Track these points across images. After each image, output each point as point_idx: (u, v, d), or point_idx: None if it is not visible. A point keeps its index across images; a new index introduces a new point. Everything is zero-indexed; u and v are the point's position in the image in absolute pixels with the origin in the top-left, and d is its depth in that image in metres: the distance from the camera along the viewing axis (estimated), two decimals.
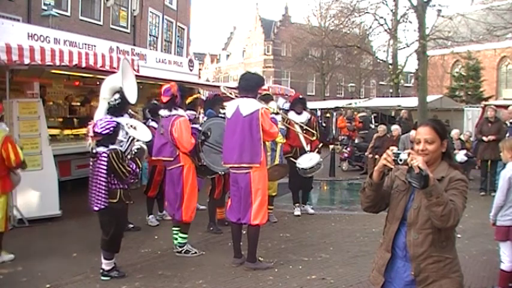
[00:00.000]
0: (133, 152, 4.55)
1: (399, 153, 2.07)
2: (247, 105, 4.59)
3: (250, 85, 4.73)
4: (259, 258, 4.78)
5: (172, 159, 4.96)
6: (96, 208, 4.18)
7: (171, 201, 5.11)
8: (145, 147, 4.77)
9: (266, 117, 4.61)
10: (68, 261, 4.80)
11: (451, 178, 2.18)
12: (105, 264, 4.32)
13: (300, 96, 7.47)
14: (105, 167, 4.13)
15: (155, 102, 6.89)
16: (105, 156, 4.13)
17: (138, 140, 4.72)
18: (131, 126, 4.70)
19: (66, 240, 5.49)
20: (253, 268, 4.59)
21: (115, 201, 4.22)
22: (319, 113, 21.68)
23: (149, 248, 5.31)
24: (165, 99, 4.95)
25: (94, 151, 4.19)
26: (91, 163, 4.29)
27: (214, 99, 6.42)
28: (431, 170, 2.13)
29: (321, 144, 6.85)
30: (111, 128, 4.20)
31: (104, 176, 4.13)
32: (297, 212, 7.08)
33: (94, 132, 4.17)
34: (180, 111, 5.00)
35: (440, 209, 2.01)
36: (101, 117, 4.62)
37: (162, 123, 5.04)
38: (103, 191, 4.15)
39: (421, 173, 1.97)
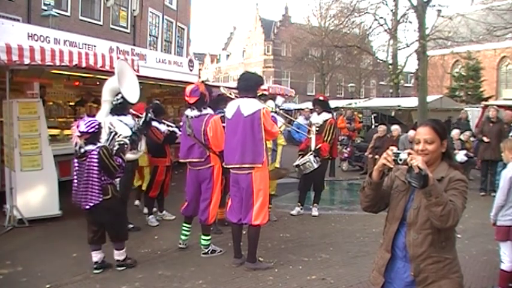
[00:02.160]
0: (115, 148, 4.58)
1: (399, 153, 2.07)
2: (248, 105, 4.58)
3: (249, 85, 4.71)
4: (259, 259, 4.77)
5: (203, 160, 4.90)
6: (91, 204, 4.21)
7: (193, 202, 5.06)
8: (127, 141, 4.80)
9: (268, 117, 4.61)
10: (68, 261, 4.80)
11: (451, 178, 2.17)
12: (118, 255, 4.48)
13: (320, 98, 7.43)
14: (97, 164, 4.19)
15: (157, 102, 6.89)
16: (95, 154, 4.19)
17: (119, 136, 4.75)
18: (111, 124, 4.83)
19: (66, 240, 5.48)
20: (253, 268, 4.59)
21: (108, 197, 4.28)
22: None
23: (149, 248, 5.31)
24: (192, 99, 4.85)
25: (83, 150, 4.23)
26: (77, 163, 4.31)
27: (218, 99, 6.41)
28: (431, 170, 2.13)
29: (318, 146, 6.70)
30: (96, 126, 4.30)
31: (97, 172, 4.20)
32: (294, 211, 7.07)
33: (80, 132, 4.23)
34: (210, 110, 4.97)
35: (440, 209, 2.00)
36: (101, 119, 4.70)
37: (190, 123, 4.90)
38: (96, 188, 4.20)
39: (421, 173, 1.97)
